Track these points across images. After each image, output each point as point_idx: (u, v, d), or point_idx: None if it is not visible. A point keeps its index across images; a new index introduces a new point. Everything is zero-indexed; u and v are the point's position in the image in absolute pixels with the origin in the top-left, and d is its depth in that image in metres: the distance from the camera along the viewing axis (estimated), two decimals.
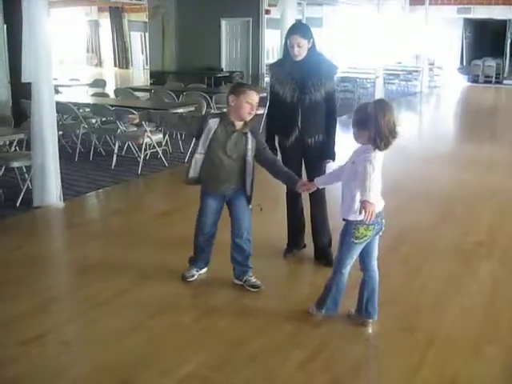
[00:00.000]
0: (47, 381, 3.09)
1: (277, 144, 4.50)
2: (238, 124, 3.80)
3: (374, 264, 3.59)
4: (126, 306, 3.90)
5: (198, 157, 3.85)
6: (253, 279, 4.11)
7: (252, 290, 4.07)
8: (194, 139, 3.96)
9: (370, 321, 3.62)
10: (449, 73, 22.36)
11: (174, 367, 3.17)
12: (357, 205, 3.28)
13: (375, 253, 3.58)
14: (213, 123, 3.76)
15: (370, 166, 3.18)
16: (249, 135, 3.83)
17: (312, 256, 4.64)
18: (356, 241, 3.41)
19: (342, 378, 3.12)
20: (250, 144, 3.84)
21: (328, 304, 3.65)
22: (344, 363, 3.28)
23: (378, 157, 3.24)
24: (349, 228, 3.41)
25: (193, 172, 3.90)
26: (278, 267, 4.57)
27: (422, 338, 3.52)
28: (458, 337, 3.55)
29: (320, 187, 3.89)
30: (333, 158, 4.39)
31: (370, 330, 3.61)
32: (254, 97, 3.73)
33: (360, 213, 3.19)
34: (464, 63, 23.84)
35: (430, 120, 15.01)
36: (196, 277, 4.22)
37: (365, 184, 3.14)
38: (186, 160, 8.11)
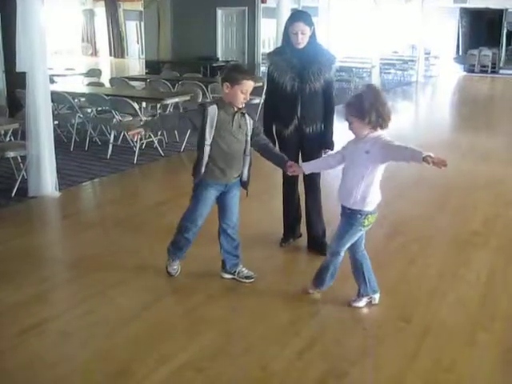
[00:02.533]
0: (46, 370, 3.08)
1: (274, 133, 4.48)
2: (236, 106, 3.75)
3: (362, 244, 3.71)
4: (123, 295, 3.90)
5: (207, 148, 3.72)
6: (245, 270, 4.08)
7: (246, 281, 4.04)
8: (197, 133, 3.78)
9: (376, 296, 3.74)
10: (445, 62, 22.33)
11: (170, 357, 3.18)
12: (370, 196, 3.42)
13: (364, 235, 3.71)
14: (212, 111, 3.67)
15: (390, 139, 3.31)
16: (247, 116, 3.79)
17: None
18: (363, 229, 3.56)
19: (339, 367, 3.12)
20: (249, 124, 3.80)
21: (326, 281, 3.77)
22: (341, 352, 3.29)
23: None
24: (358, 217, 3.49)
25: (204, 165, 3.76)
26: (274, 256, 4.57)
27: (419, 326, 3.53)
28: (454, 325, 3.56)
29: (306, 172, 3.96)
30: (331, 147, 4.39)
31: (376, 310, 3.70)
32: (248, 86, 3.66)
33: (429, 163, 3.16)
34: (460, 53, 23.83)
35: (426, 109, 15.00)
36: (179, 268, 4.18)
37: (405, 148, 3.22)
38: (182, 149, 8.12)
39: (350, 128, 3.42)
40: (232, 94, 3.67)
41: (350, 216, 3.53)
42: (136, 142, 7.44)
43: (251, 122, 3.83)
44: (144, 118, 7.60)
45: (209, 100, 8.70)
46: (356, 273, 3.73)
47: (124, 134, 8.18)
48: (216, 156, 3.74)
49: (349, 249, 3.67)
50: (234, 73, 3.69)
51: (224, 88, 3.69)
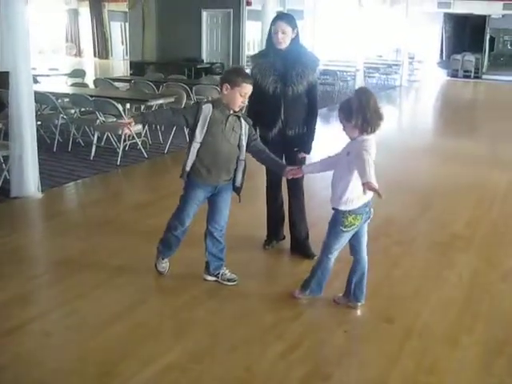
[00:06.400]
0: (29, 371, 3.07)
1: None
2: (232, 109, 3.73)
3: (363, 250, 3.68)
4: (106, 296, 3.89)
5: (196, 146, 3.70)
6: (228, 273, 4.07)
7: (229, 283, 4.03)
8: (189, 130, 3.82)
9: (359, 304, 3.73)
10: (428, 67, 22.50)
11: (154, 358, 3.17)
12: (347, 195, 3.41)
13: (364, 239, 3.67)
14: (207, 109, 3.66)
15: (367, 153, 3.24)
16: (242, 119, 3.77)
17: None
18: (344, 229, 3.51)
19: (321, 369, 3.13)
20: (244, 129, 3.78)
21: (312, 286, 3.74)
22: (324, 353, 3.31)
23: (372, 146, 3.32)
24: (338, 217, 3.50)
25: (190, 163, 3.75)
26: (257, 258, 4.57)
27: (401, 328, 3.55)
28: (436, 327, 3.59)
29: (305, 174, 3.93)
30: (308, 151, 4.38)
31: (359, 312, 3.71)
32: (248, 90, 3.66)
33: (365, 193, 3.25)
34: (443, 57, 24.03)
35: (410, 114, 15.09)
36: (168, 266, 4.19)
37: (364, 168, 3.17)
38: (165, 151, 8.08)
39: (343, 130, 3.45)
40: (230, 96, 3.66)
41: (333, 215, 3.56)
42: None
43: (247, 127, 3.81)
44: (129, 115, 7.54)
45: (193, 101, 8.69)
46: (349, 274, 3.74)
47: (107, 135, 8.14)
48: (204, 155, 3.72)
49: (351, 251, 3.68)
50: (235, 75, 3.70)
51: (223, 89, 3.68)
